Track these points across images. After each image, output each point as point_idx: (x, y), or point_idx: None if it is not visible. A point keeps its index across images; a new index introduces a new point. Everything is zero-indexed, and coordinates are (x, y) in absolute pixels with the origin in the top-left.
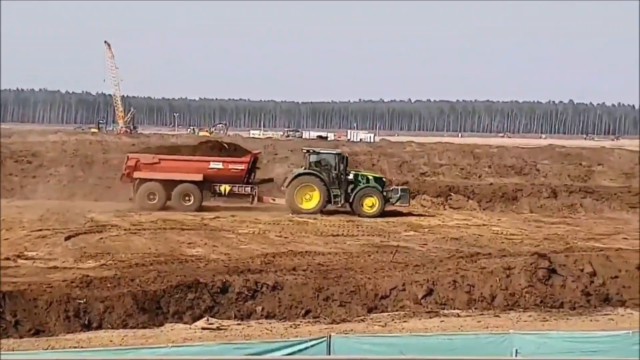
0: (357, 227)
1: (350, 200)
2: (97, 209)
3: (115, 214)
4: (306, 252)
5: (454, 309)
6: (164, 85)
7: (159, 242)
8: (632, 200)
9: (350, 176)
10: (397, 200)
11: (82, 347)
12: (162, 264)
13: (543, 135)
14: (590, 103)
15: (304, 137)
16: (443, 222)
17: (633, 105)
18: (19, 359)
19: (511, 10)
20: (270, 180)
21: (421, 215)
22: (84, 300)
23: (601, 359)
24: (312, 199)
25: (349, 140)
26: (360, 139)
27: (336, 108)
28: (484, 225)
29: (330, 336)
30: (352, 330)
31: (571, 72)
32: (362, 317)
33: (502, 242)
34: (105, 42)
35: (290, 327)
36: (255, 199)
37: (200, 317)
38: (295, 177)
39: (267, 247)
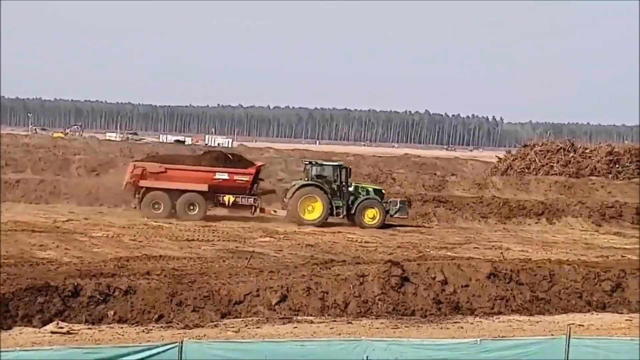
0: (213, 232)
1: (352, 211)
2: None
3: None
4: (160, 256)
5: (308, 315)
6: (17, 84)
7: (9, 245)
8: (483, 210)
9: (351, 188)
10: (395, 212)
11: None
12: (11, 267)
13: (395, 145)
14: (446, 114)
15: (161, 140)
16: (299, 228)
17: (487, 117)
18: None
19: (367, 17)
20: (273, 191)
21: (278, 221)
22: None
23: None
24: (315, 211)
25: (206, 144)
26: (218, 144)
27: (194, 112)
28: (339, 232)
29: (182, 341)
30: (205, 335)
31: (428, 82)
32: (215, 323)
33: (357, 250)
34: None
35: (142, 332)
36: (258, 210)
37: (50, 321)
38: (299, 188)
39: (121, 250)
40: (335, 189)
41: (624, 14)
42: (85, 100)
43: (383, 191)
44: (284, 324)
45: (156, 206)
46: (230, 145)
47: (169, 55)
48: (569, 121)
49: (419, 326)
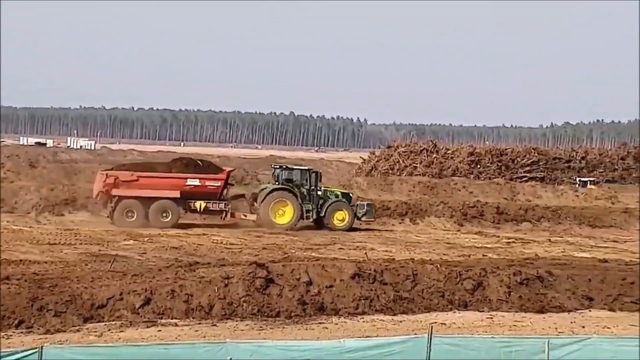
0: (75, 236)
1: (322, 214)
2: None
3: None
4: (21, 260)
5: (172, 318)
6: None
7: None
8: None
9: (320, 192)
10: (363, 215)
11: None
12: None
13: (259, 146)
14: (311, 115)
15: (21, 142)
16: (163, 231)
17: (351, 119)
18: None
19: (233, 18)
20: (242, 196)
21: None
22: None
23: None
24: (286, 214)
25: (68, 147)
26: (81, 146)
27: (56, 114)
28: (204, 234)
29: (42, 347)
30: (67, 340)
31: (293, 83)
32: (77, 327)
33: (222, 252)
34: None
35: (2, 337)
36: (228, 215)
37: None
38: (270, 192)
39: None
40: (305, 192)
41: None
42: None
43: (351, 195)
44: (147, 327)
45: (129, 214)
46: (93, 148)
47: (29, 55)
48: (431, 122)
49: (284, 327)
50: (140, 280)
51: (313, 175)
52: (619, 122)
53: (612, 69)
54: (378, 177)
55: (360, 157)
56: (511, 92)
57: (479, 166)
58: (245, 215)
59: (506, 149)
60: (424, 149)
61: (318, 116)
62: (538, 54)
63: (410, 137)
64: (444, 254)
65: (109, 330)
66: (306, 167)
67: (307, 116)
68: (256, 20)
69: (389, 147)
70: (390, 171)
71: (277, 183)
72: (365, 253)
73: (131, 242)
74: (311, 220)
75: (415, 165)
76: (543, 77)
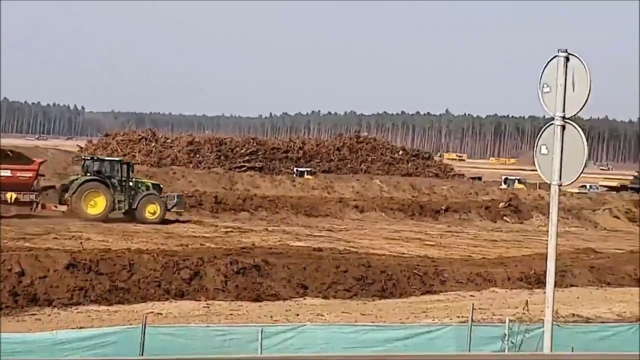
0: None
1: (134, 207)
2: None
3: None
4: None
5: None
6: None
7: None
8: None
9: (131, 183)
10: (173, 206)
11: None
12: None
13: None
14: (25, 102)
15: None
16: None
17: (68, 106)
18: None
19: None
20: (52, 187)
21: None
22: None
23: None
24: (97, 205)
25: None
26: None
27: None
28: None
29: None
30: None
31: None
32: None
33: None
34: None
35: None
36: (39, 206)
37: None
38: (82, 183)
39: None
40: (117, 183)
41: None
42: None
43: (161, 186)
44: None
45: None
46: None
47: None
48: (151, 111)
49: None
50: None
51: (125, 166)
52: (336, 113)
53: (332, 65)
54: None
55: (77, 145)
56: (231, 81)
57: (198, 155)
58: (56, 206)
59: (225, 139)
60: (142, 137)
61: (33, 103)
62: (256, 46)
63: (128, 125)
64: (162, 244)
65: None
66: (117, 159)
67: (21, 102)
68: None
69: (107, 135)
70: None
71: (87, 174)
72: (81, 243)
73: None
74: (123, 211)
75: (133, 154)
76: (263, 68)
